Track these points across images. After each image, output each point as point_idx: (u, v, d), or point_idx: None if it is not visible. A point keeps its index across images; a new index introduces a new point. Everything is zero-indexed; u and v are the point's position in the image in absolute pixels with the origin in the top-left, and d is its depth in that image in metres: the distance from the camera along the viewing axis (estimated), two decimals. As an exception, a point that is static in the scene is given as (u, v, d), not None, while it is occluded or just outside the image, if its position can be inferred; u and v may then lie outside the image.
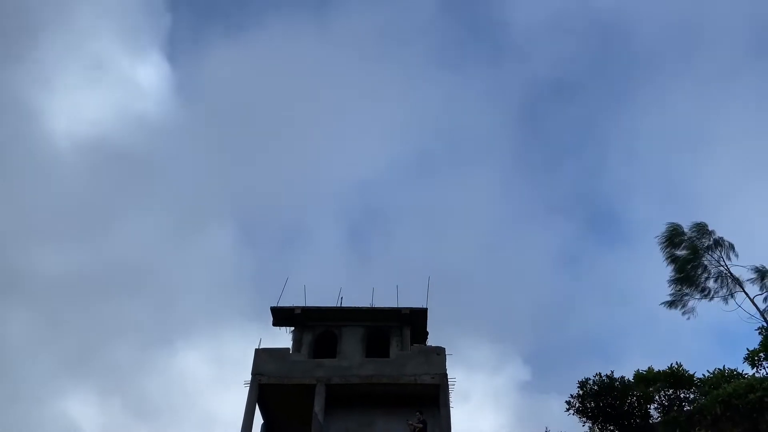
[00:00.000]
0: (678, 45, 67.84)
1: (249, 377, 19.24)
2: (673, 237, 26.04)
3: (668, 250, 26.11)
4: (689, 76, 66.37)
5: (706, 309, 25.58)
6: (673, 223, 26.33)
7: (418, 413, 17.92)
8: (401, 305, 20.93)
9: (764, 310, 23.63)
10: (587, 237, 71.09)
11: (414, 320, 20.98)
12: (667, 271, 25.60)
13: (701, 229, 25.76)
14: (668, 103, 66.76)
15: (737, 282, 24.67)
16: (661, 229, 26.13)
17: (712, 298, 25.18)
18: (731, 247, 25.22)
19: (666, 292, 25.55)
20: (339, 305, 21.30)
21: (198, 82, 73.05)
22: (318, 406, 18.57)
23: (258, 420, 19.47)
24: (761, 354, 20.87)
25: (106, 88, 69.34)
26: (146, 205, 64.57)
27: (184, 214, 65.02)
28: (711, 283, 25.33)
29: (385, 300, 21.68)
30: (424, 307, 20.99)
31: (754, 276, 24.41)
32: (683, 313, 25.78)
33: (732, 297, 24.73)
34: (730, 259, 25.08)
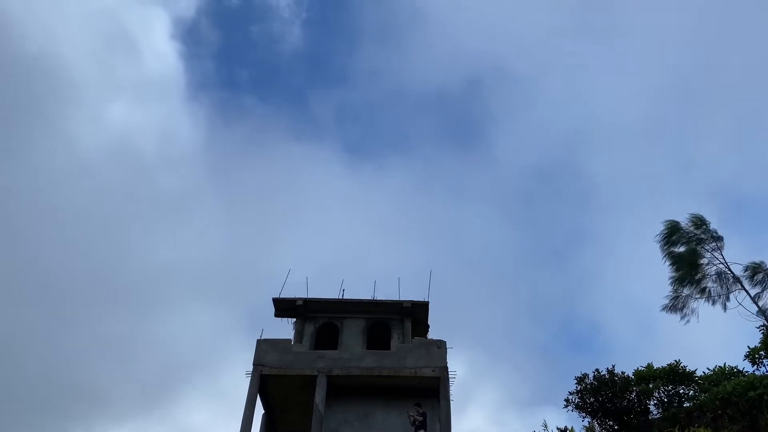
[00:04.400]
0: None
1: (251, 368, 19.32)
2: (671, 234, 25.83)
3: (667, 247, 25.93)
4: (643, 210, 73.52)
5: (706, 306, 25.56)
6: (671, 220, 26.13)
7: (416, 406, 17.99)
8: (403, 298, 21.01)
9: (764, 308, 23.65)
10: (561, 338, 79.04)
11: (415, 313, 21.03)
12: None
13: (698, 222, 25.52)
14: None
15: (737, 279, 24.61)
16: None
17: (714, 301, 25.04)
18: (720, 239, 25.08)
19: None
20: (341, 297, 21.35)
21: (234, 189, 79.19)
22: (319, 397, 18.64)
23: (259, 410, 19.58)
24: (762, 352, 20.91)
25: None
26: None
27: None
28: (710, 283, 25.22)
29: (386, 292, 21.76)
30: (426, 300, 21.07)
31: (746, 273, 24.35)
32: (682, 317, 25.65)
33: (727, 298, 24.69)
34: (723, 249, 24.96)
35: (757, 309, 23.49)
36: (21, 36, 63.75)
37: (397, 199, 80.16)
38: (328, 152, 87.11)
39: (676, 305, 25.63)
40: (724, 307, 24.80)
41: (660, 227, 25.95)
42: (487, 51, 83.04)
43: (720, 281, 25.02)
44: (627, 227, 77.09)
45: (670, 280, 25.74)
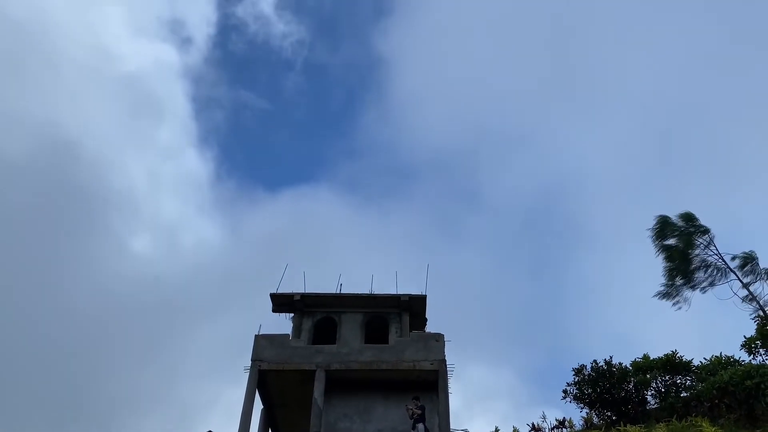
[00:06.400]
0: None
1: (249, 363, 19.28)
2: (663, 228, 26.12)
3: (659, 241, 26.22)
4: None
5: (701, 295, 25.82)
6: (662, 215, 26.45)
7: (415, 399, 18.03)
8: (400, 292, 21.00)
9: (759, 296, 23.82)
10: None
11: (413, 307, 21.03)
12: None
13: (688, 218, 25.83)
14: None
15: (731, 270, 24.79)
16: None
17: (705, 290, 25.26)
18: (708, 231, 25.35)
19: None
20: (338, 292, 21.32)
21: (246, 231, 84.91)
22: (317, 391, 18.64)
23: (258, 405, 19.57)
24: (758, 341, 21.05)
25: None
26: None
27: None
28: (703, 274, 25.44)
29: (384, 286, 21.74)
30: (423, 293, 21.06)
31: (738, 263, 24.55)
32: (675, 304, 25.93)
33: (715, 283, 24.91)
34: (714, 245, 25.23)
35: (749, 295, 23.65)
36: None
37: (398, 233, 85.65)
38: (334, 196, 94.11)
39: (669, 293, 25.91)
40: (705, 291, 25.10)
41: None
42: (478, 112, 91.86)
43: (712, 271, 25.24)
44: (607, 262, 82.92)
45: (664, 271, 26.01)
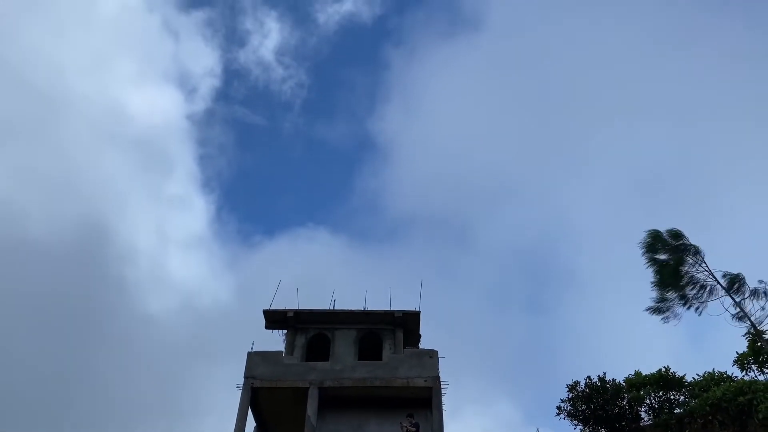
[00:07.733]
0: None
1: (242, 380, 19.16)
2: (654, 242, 26.26)
3: (649, 255, 26.35)
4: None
5: (693, 312, 25.93)
6: (653, 229, 26.62)
7: (409, 416, 17.94)
8: (394, 308, 20.97)
9: (750, 313, 23.94)
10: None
11: (407, 323, 21.01)
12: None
13: (676, 235, 26.00)
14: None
15: (722, 287, 24.92)
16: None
17: (698, 308, 25.36)
18: (699, 251, 25.53)
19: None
20: (332, 308, 21.28)
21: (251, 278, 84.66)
22: (311, 409, 18.53)
23: (251, 423, 19.41)
24: (750, 357, 21.13)
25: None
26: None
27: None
28: (694, 291, 25.55)
29: (377, 303, 21.72)
30: (417, 310, 21.05)
31: (725, 281, 24.70)
32: (664, 319, 26.01)
33: (708, 300, 25.04)
34: (705, 263, 25.36)
35: (739, 312, 23.77)
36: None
37: (394, 271, 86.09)
38: (332, 239, 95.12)
39: (660, 308, 25.98)
40: (699, 311, 25.17)
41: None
42: (470, 171, 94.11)
43: (703, 288, 25.36)
44: (596, 296, 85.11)
45: (653, 286, 26.10)
